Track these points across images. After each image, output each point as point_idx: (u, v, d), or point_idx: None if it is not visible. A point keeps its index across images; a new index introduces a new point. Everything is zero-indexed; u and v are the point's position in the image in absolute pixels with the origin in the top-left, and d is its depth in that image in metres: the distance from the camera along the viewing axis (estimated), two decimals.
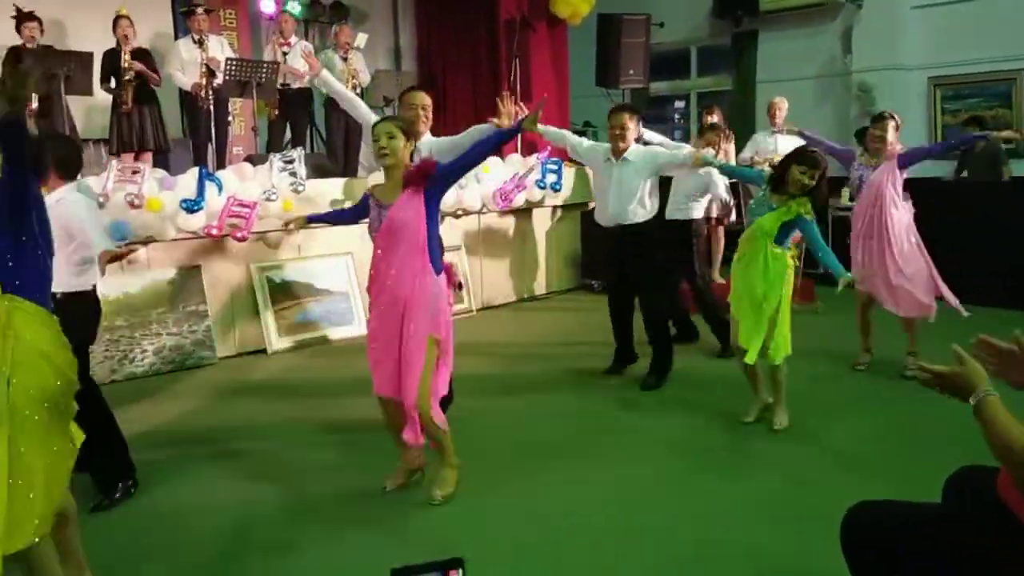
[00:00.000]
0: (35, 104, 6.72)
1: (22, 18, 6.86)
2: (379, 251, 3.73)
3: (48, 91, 6.63)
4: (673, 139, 7.22)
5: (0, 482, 2.40)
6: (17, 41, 6.89)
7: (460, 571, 1.32)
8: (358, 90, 8.34)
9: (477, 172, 7.64)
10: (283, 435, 4.79)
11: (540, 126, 5.10)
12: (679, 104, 12.10)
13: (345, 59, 8.33)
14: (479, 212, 7.95)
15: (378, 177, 5.02)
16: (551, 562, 3.29)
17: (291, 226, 4.27)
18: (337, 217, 4.44)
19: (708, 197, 6.38)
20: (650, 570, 3.22)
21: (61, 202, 3.70)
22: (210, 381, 5.91)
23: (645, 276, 5.49)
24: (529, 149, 9.09)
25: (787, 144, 7.93)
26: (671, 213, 6.25)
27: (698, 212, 6.30)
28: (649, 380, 5.46)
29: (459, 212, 7.78)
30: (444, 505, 3.75)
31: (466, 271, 7.87)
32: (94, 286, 3.92)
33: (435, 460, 3.90)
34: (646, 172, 5.30)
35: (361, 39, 8.36)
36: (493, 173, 7.88)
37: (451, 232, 7.80)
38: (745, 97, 10.40)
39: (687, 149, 5.78)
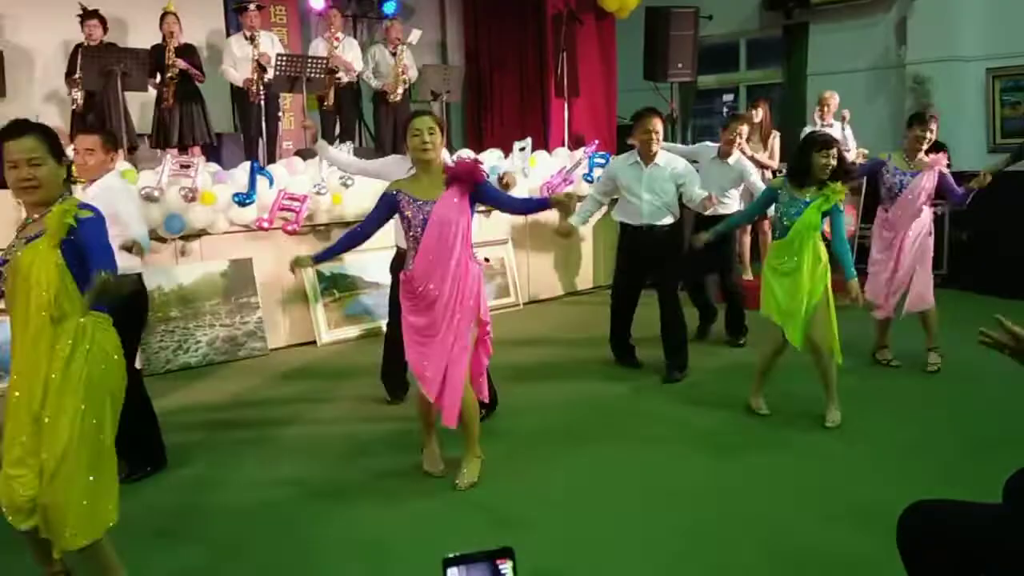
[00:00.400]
0: (80, 102, 6.89)
1: (86, 16, 7.02)
2: (424, 248, 3.72)
3: (104, 88, 6.78)
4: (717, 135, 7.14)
5: (95, 473, 2.64)
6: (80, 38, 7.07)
7: (510, 560, 1.33)
8: (406, 85, 8.40)
9: (524, 166, 7.65)
10: (330, 418, 4.96)
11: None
12: (727, 97, 11.97)
13: (394, 55, 8.38)
14: None
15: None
16: (584, 534, 3.43)
17: (295, 272, 4.07)
18: (352, 241, 4.03)
19: (742, 189, 6.31)
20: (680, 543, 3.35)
21: (108, 189, 3.81)
22: (261, 370, 6.03)
23: (667, 274, 5.60)
24: (576, 143, 9.08)
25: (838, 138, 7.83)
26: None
27: (734, 206, 6.25)
28: (674, 374, 5.51)
29: None
30: (475, 487, 3.88)
31: (512, 265, 7.88)
32: (139, 274, 4.01)
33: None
34: (672, 183, 5.39)
35: (414, 35, 8.41)
36: (540, 167, 7.88)
37: (497, 225, 7.83)
38: (796, 91, 10.25)
39: (708, 147, 6.13)
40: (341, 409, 5.12)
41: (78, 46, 7.05)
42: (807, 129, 8.26)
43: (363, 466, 4.20)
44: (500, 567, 1.28)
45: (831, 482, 3.89)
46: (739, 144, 6.17)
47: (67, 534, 2.59)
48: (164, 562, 3.28)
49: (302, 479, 4.06)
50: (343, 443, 4.53)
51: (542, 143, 9.09)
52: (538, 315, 7.68)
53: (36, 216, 2.70)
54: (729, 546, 3.31)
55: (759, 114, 8.07)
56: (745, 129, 6.31)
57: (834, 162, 4.38)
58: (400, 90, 8.28)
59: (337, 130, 8.43)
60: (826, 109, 8.00)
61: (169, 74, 7.22)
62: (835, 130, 7.82)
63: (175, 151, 7.08)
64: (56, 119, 7.78)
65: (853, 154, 7.60)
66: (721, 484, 3.90)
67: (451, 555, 1.30)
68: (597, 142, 8.64)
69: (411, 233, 3.77)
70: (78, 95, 6.91)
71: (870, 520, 3.36)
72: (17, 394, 2.65)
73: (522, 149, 7.67)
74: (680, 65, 9.25)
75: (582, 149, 8.38)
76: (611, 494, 3.83)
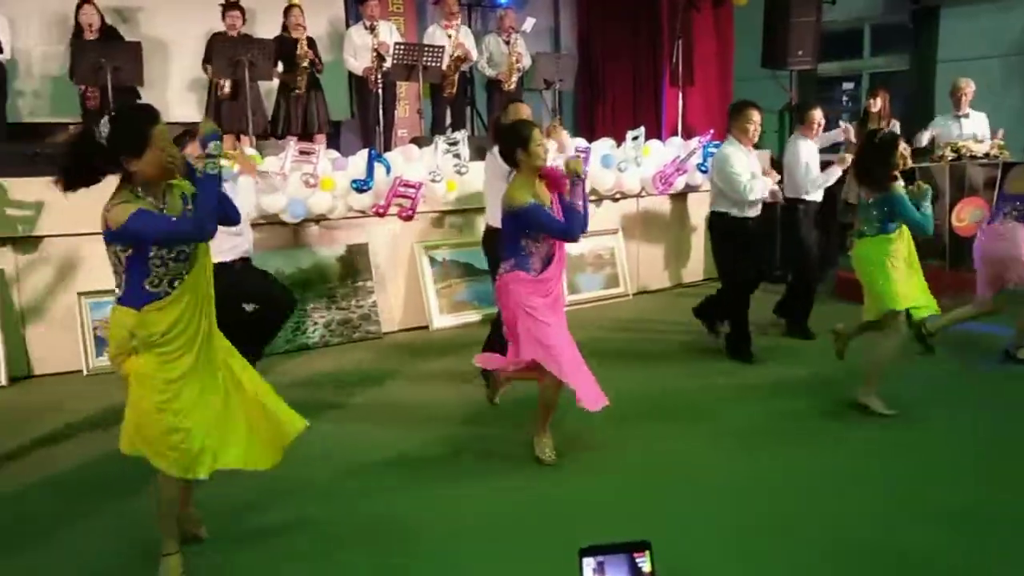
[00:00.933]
0: (227, 89, 7.17)
1: (228, 7, 7.32)
2: (561, 254, 3.96)
3: (235, 77, 7.06)
4: (837, 125, 6.92)
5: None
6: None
7: (648, 553, 1.32)
8: (520, 74, 8.42)
9: (637, 155, 7.57)
10: (436, 394, 5.16)
11: None
12: (847, 86, 11.53)
13: (508, 43, 8.42)
14: (638, 195, 7.88)
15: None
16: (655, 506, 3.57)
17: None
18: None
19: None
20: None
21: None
22: (374, 351, 6.22)
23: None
24: (688, 133, 8.93)
25: (972, 128, 7.44)
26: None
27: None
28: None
29: (617, 195, 7.74)
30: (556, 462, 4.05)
31: (622, 255, 7.83)
32: (233, 260, 4.16)
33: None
34: None
35: (528, 23, 8.42)
36: (654, 156, 7.78)
37: (608, 215, 7.78)
38: (924, 79, 9.78)
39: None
40: (448, 390, 5.23)
41: (214, 35, 7.36)
42: (938, 120, 7.88)
43: (462, 442, 4.38)
44: (637, 560, 1.28)
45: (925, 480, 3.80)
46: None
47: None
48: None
49: (405, 451, 4.24)
50: (442, 419, 4.71)
51: (655, 132, 8.98)
52: (645, 305, 7.62)
53: (147, 195, 2.86)
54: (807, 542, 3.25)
55: (877, 103, 7.79)
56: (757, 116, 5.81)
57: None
58: (514, 79, 8.30)
59: (449, 119, 8.54)
60: (963, 98, 7.59)
61: (303, 64, 7.46)
62: (972, 120, 7.46)
63: (293, 138, 7.31)
64: (192, 108, 8.14)
65: (987, 145, 7.21)
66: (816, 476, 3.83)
67: (586, 546, 1.31)
68: (712, 131, 8.47)
69: (542, 237, 3.89)
70: (226, 84, 7.19)
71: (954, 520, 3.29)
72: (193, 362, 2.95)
73: (635, 138, 7.60)
74: (801, 52, 8.96)
75: (696, 139, 8.22)
76: (686, 484, 3.83)
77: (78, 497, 3.81)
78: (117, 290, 2.91)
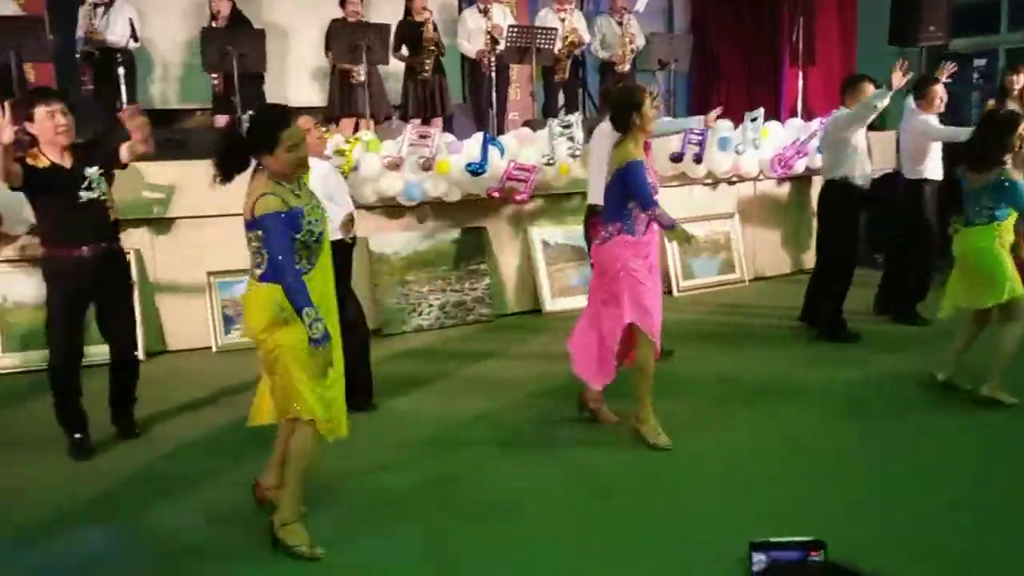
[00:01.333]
0: (363, 77, 7.32)
1: None
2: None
3: (354, 62, 7.19)
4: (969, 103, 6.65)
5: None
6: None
7: (822, 552, 1.26)
8: (633, 55, 8.29)
9: (756, 137, 7.35)
10: (544, 370, 5.24)
11: None
12: (979, 63, 10.89)
13: (621, 24, 8.29)
14: (755, 179, 7.67)
15: None
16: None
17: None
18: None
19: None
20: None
21: (324, 177, 4.20)
22: (487, 333, 6.34)
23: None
24: (808, 114, 8.61)
25: None
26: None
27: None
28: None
29: (734, 178, 7.55)
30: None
31: (738, 240, 7.64)
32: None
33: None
34: None
35: (641, 3, 8.29)
36: (772, 138, 7.54)
37: (724, 198, 7.61)
38: None
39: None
40: (553, 368, 5.24)
41: (333, 22, 7.51)
42: None
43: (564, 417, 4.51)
44: (812, 559, 1.22)
45: None
46: None
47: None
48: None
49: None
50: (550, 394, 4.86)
51: (773, 113, 8.69)
52: (762, 291, 7.42)
53: (289, 184, 3.11)
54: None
55: (1020, 80, 7.32)
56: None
57: None
58: (628, 60, 8.18)
59: (561, 100, 8.48)
60: None
61: (430, 47, 7.56)
62: None
63: (416, 122, 7.42)
64: (312, 94, 8.34)
65: None
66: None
67: (758, 540, 1.26)
68: (834, 112, 8.14)
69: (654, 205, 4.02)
70: (360, 71, 7.33)
71: None
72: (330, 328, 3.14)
73: (753, 120, 7.37)
74: (932, 28, 8.49)
75: (817, 120, 7.92)
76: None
77: (207, 457, 4.14)
78: (257, 269, 3.08)
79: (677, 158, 7.00)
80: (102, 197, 4.09)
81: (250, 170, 3.16)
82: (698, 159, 7.04)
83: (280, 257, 2.99)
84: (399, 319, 6.32)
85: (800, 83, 8.98)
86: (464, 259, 6.62)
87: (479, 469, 3.94)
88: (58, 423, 4.22)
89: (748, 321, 6.47)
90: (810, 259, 8.10)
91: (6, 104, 3.77)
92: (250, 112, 3.14)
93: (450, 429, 4.42)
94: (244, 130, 3.10)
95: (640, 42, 8.32)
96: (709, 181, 7.48)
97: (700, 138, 7.03)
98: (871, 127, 6.16)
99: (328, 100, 7.77)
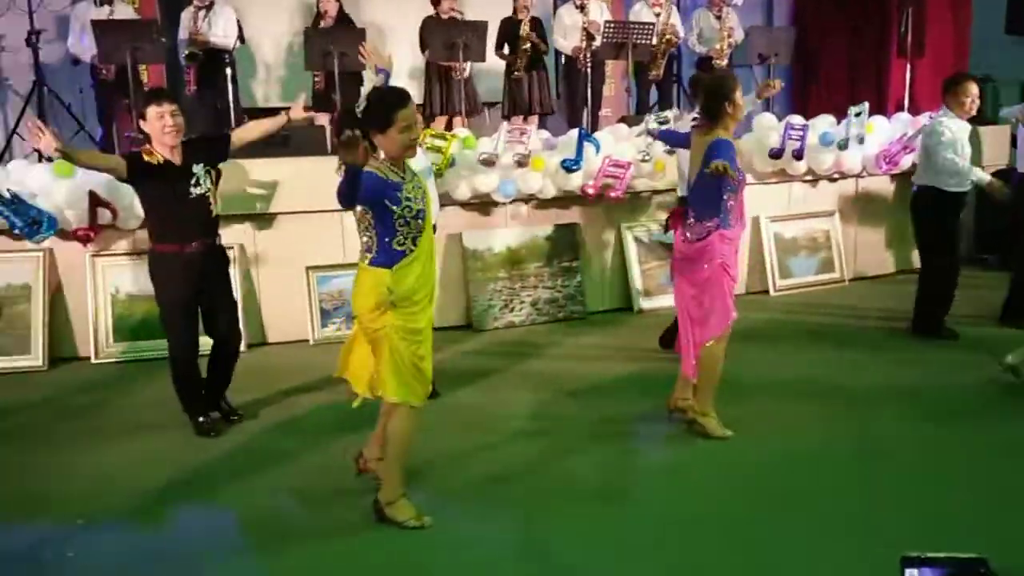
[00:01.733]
0: (467, 73, 7.40)
1: None
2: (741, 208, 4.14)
3: (451, 59, 7.26)
4: None
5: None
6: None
7: (984, 571, 1.19)
8: (731, 49, 8.12)
9: (860, 132, 7.10)
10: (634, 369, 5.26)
11: None
12: None
13: (719, 18, 8.13)
14: (858, 175, 7.41)
15: None
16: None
17: None
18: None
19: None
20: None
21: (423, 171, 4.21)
22: (576, 331, 6.30)
23: None
24: (916, 108, 8.27)
25: None
26: None
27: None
28: None
29: (835, 175, 7.32)
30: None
31: (839, 238, 7.41)
32: None
33: None
34: None
35: None
36: (877, 133, 7.27)
37: (824, 196, 7.39)
38: None
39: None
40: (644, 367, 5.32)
41: (427, 19, 7.60)
42: None
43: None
44: None
45: None
46: None
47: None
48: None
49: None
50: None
51: (878, 107, 8.38)
52: (862, 292, 7.18)
53: (393, 166, 3.23)
54: None
55: None
56: None
57: None
58: (726, 54, 8.01)
59: (655, 97, 8.37)
60: None
61: (524, 47, 7.58)
62: None
63: (515, 119, 7.46)
64: (413, 90, 8.43)
65: None
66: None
67: (911, 555, 1.20)
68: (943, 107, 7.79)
69: (740, 187, 4.02)
70: (466, 68, 7.43)
71: None
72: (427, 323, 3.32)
73: (858, 114, 7.11)
74: None
75: (926, 114, 7.59)
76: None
77: (305, 437, 4.37)
78: (368, 253, 3.22)
79: (776, 154, 6.82)
80: (207, 193, 4.25)
81: None
82: (798, 155, 6.84)
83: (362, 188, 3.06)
84: (491, 315, 6.36)
85: (908, 75, 8.65)
86: (557, 256, 6.60)
87: (566, 458, 4.01)
88: (182, 408, 4.46)
89: (845, 322, 6.28)
90: (916, 258, 7.81)
91: (37, 123, 4.18)
92: (364, 95, 3.23)
93: (537, 420, 4.50)
94: (360, 110, 3.20)
95: (739, 36, 8.14)
96: (809, 178, 7.27)
97: (801, 134, 6.83)
98: (980, 121, 5.89)
99: (424, 98, 7.87)
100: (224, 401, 4.63)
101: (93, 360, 5.71)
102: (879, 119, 7.45)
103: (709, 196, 4.00)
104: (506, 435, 4.28)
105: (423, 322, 3.29)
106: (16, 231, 5.31)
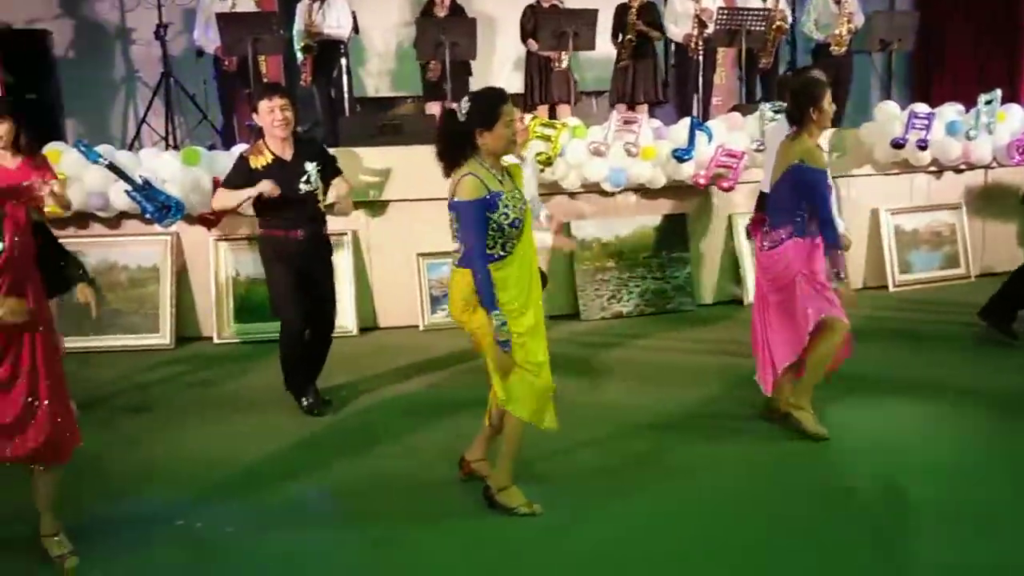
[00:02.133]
0: (565, 63, 7.40)
1: None
2: None
3: (560, 48, 7.24)
4: None
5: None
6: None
7: None
8: (852, 35, 7.81)
9: (991, 121, 6.75)
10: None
11: None
12: None
13: (838, 2, 7.84)
14: (987, 167, 7.06)
15: None
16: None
17: None
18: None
19: None
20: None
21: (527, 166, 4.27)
22: (684, 322, 6.19)
23: None
24: None
25: None
26: None
27: None
28: None
29: (962, 166, 6.98)
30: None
31: (965, 232, 7.07)
32: None
33: None
34: None
35: None
36: (1009, 122, 6.89)
37: (950, 187, 7.08)
38: None
39: None
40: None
41: (528, 8, 7.60)
42: None
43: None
44: None
45: None
46: None
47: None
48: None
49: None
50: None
51: (1010, 95, 7.94)
52: (989, 289, 6.76)
53: (492, 168, 3.22)
54: None
55: None
56: None
57: None
58: (845, 40, 7.71)
59: (760, 91, 8.12)
60: None
61: (628, 36, 7.51)
62: None
63: (622, 107, 7.39)
64: (513, 83, 8.48)
65: None
66: None
67: None
68: None
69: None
70: (564, 58, 7.40)
71: None
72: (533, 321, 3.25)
73: (988, 102, 6.75)
74: None
75: None
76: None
77: (414, 420, 4.44)
78: (457, 253, 3.24)
79: (899, 144, 6.54)
80: (315, 190, 4.38)
81: None
82: (923, 145, 6.55)
83: (470, 246, 3.13)
84: (598, 305, 6.33)
85: None
86: (665, 246, 6.52)
87: (672, 452, 3.96)
88: (286, 388, 4.60)
89: (968, 320, 5.79)
90: None
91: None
92: (465, 97, 3.23)
93: (643, 413, 4.43)
94: (464, 111, 3.19)
95: (859, 21, 7.83)
96: (934, 169, 6.95)
97: (925, 123, 6.54)
98: None
99: (524, 87, 7.86)
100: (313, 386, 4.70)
101: (216, 340, 5.95)
102: (1012, 107, 7.05)
103: (785, 203, 3.87)
104: (612, 427, 4.24)
105: (519, 327, 3.19)
106: (147, 215, 5.57)
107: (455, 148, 3.22)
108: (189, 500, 3.59)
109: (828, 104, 3.84)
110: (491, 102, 3.20)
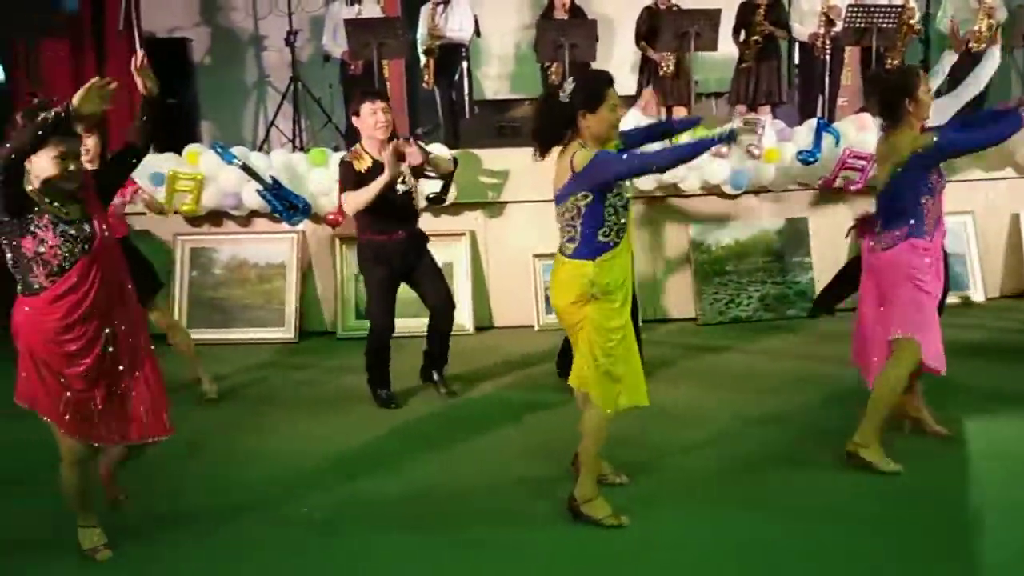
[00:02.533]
0: (671, 68, 7.31)
1: None
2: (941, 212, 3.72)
3: (680, 50, 7.15)
4: None
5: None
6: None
7: None
8: (992, 31, 7.39)
9: None
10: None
11: None
12: None
13: None
14: None
15: None
16: None
17: None
18: None
19: None
20: None
21: None
22: (802, 330, 6.00)
23: None
24: None
25: None
26: None
27: None
28: None
29: None
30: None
31: None
32: None
33: None
34: None
35: None
36: None
37: None
38: None
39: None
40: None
41: (645, 9, 7.53)
42: None
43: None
44: None
45: None
46: None
47: None
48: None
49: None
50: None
51: None
52: None
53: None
54: None
55: None
56: None
57: None
58: (985, 36, 7.30)
59: None
60: None
61: (754, 37, 7.36)
62: None
63: (742, 108, 7.24)
64: (631, 85, 8.43)
65: None
66: None
67: None
68: None
69: (937, 189, 3.64)
70: (670, 61, 7.37)
71: None
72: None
73: None
74: None
75: None
76: None
77: (517, 421, 4.47)
78: (570, 243, 3.20)
79: None
80: (411, 189, 4.52)
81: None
82: None
83: (648, 160, 3.15)
84: (717, 309, 6.21)
85: None
86: (786, 251, 6.35)
87: (780, 465, 3.81)
88: (367, 381, 4.78)
89: None
90: None
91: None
92: (570, 78, 3.22)
93: (754, 422, 4.32)
94: (568, 91, 3.15)
95: (1001, 15, 7.41)
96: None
97: None
98: None
99: (638, 88, 7.79)
100: (440, 376, 4.87)
101: (338, 335, 6.14)
102: None
103: (900, 199, 3.60)
104: (720, 434, 4.16)
105: (620, 319, 3.18)
106: (276, 214, 5.80)
107: (555, 129, 3.19)
108: (289, 488, 3.71)
109: (925, 94, 3.59)
110: (596, 84, 3.16)
